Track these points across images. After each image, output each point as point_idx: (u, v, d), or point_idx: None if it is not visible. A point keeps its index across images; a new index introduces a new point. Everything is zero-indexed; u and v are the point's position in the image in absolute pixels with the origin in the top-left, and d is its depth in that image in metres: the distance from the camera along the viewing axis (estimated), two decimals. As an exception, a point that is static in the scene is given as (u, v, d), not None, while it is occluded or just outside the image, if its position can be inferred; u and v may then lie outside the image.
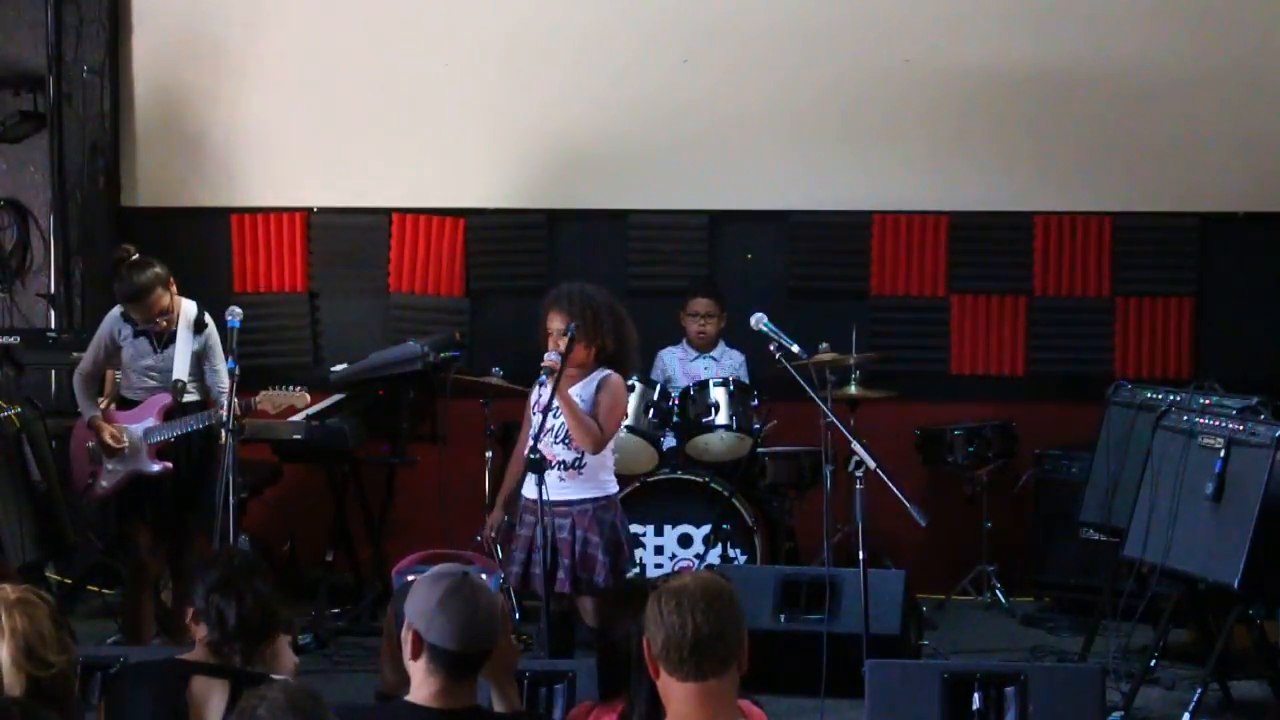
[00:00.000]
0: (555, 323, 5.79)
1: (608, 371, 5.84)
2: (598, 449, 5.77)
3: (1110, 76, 8.17)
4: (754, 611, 5.97)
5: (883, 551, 7.44)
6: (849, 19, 8.23)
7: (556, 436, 5.81)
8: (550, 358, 5.74)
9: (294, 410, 7.01)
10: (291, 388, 6.80)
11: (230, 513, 6.09)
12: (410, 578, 3.58)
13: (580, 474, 5.82)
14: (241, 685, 3.66)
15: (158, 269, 6.69)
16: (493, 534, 6.21)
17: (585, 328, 5.76)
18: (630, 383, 6.53)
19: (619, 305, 5.96)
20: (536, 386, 5.88)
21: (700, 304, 7.82)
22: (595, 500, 5.84)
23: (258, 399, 6.68)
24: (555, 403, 5.70)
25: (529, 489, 5.76)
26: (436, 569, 3.41)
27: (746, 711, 3.30)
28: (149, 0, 8.46)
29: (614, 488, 5.96)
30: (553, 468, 5.77)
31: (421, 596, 3.36)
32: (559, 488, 5.78)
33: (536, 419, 5.81)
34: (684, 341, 7.91)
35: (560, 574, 5.74)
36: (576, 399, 5.78)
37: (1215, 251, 8.28)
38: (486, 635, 3.34)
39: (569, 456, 5.81)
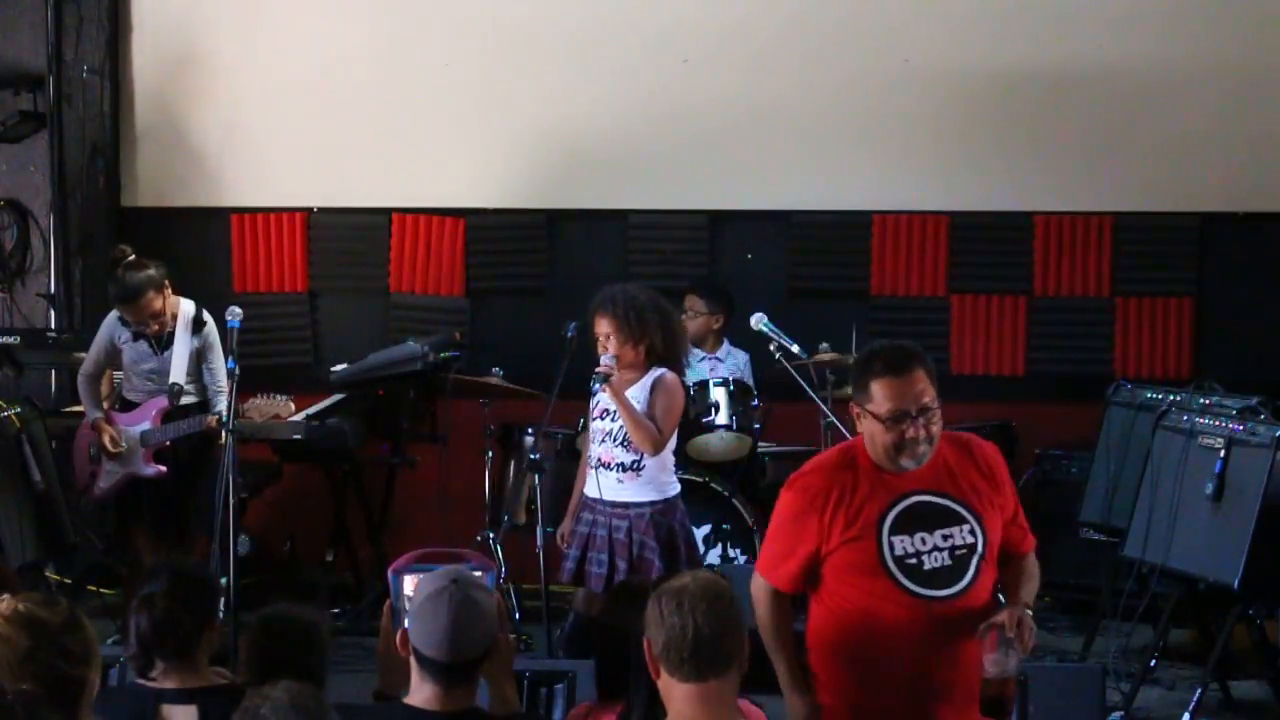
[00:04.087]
0: (601, 327, 5.82)
1: (662, 371, 5.84)
2: (657, 450, 5.79)
3: (1110, 76, 8.17)
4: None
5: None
6: (849, 19, 8.23)
7: (615, 439, 5.83)
8: (606, 362, 5.75)
9: (279, 419, 7.03)
10: (278, 397, 6.82)
11: (230, 513, 6.10)
12: (406, 577, 3.58)
13: (639, 476, 5.84)
14: (209, 707, 3.65)
15: (152, 271, 6.70)
16: (564, 545, 6.14)
17: (631, 328, 5.77)
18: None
19: (666, 303, 5.96)
20: (592, 393, 5.89)
21: (686, 300, 7.84)
22: (653, 504, 5.85)
23: (246, 406, 6.69)
24: (612, 406, 5.73)
25: (589, 489, 5.85)
26: (432, 574, 3.41)
27: (746, 711, 3.31)
28: (149, 0, 8.47)
29: (674, 490, 5.96)
30: (612, 470, 5.81)
31: (414, 602, 3.37)
32: (618, 489, 5.83)
33: (593, 424, 5.84)
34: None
35: (617, 576, 5.76)
36: (633, 400, 5.79)
37: (1215, 251, 8.28)
38: (472, 645, 3.33)
39: (628, 459, 5.82)
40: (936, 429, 4.00)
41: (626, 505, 5.83)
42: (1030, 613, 3.96)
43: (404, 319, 8.41)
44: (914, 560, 3.96)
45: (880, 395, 3.97)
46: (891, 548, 3.95)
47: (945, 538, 3.99)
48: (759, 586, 4.14)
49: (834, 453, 4.19)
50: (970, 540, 3.99)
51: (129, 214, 8.47)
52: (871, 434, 4.01)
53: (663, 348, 5.84)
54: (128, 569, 7.06)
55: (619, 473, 5.83)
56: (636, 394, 5.81)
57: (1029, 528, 4.21)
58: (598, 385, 5.79)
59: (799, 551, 4.04)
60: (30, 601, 3.03)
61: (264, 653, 3.81)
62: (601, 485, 5.83)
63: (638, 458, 5.81)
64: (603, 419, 5.86)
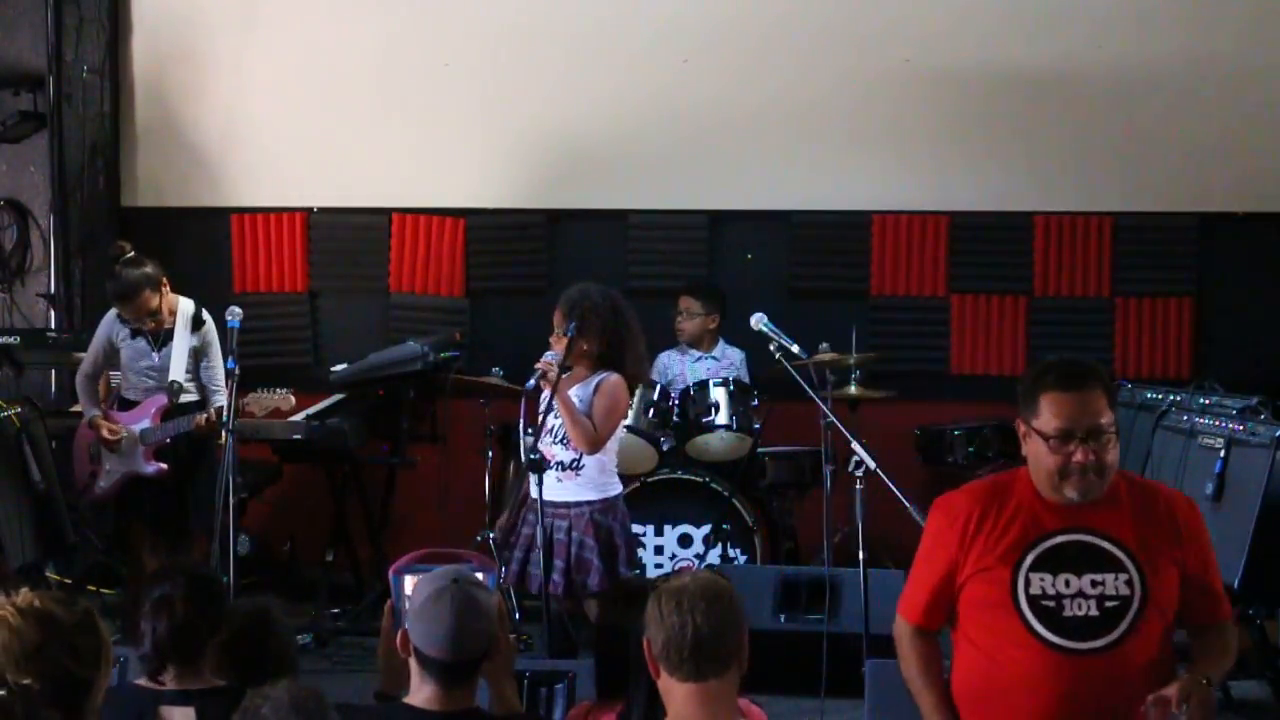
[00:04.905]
0: (555, 318, 5.83)
1: (608, 374, 5.84)
2: (592, 449, 5.77)
3: (1110, 76, 8.17)
4: (754, 611, 5.96)
5: (883, 552, 7.42)
6: (849, 19, 8.23)
7: (555, 436, 5.82)
8: (547, 358, 5.75)
9: (280, 413, 7.02)
10: (277, 390, 6.81)
11: (230, 513, 6.10)
12: (407, 577, 3.58)
13: (578, 475, 5.82)
14: (208, 709, 3.65)
15: (149, 270, 6.70)
16: (494, 535, 6.19)
17: (576, 328, 5.77)
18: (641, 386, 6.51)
19: (626, 309, 5.94)
20: (527, 388, 5.85)
21: (681, 301, 7.86)
22: (593, 503, 5.84)
23: (245, 401, 6.68)
24: (554, 402, 5.72)
25: (532, 489, 5.79)
26: (431, 574, 3.41)
27: (746, 711, 3.30)
28: (149, 0, 8.47)
29: (615, 490, 5.95)
30: (551, 468, 5.79)
31: (414, 601, 3.37)
32: (557, 488, 5.79)
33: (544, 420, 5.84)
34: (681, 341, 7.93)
35: (555, 576, 5.75)
36: (575, 399, 5.78)
37: (1215, 251, 8.28)
38: (473, 644, 3.33)
39: (567, 457, 5.81)
40: (1110, 458, 3.57)
41: (567, 505, 5.81)
42: (1213, 690, 3.57)
43: (404, 319, 8.42)
44: (1051, 603, 3.55)
45: (1048, 411, 3.56)
46: (1027, 584, 3.56)
47: (1095, 584, 3.56)
48: (897, 625, 3.80)
49: (992, 476, 3.82)
50: (1125, 592, 3.56)
51: (129, 214, 8.47)
52: (1036, 455, 3.61)
53: (600, 353, 5.83)
54: (128, 569, 7.05)
55: (559, 471, 5.80)
56: (579, 392, 5.82)
57: (1223, 595, 3.78)
58: (532, 381, 5.73)
59: (932, 577, 3.71)
60: (48, 598, 3.04)
61: (226, 651, 3.80)
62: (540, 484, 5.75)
63: (577, 456, 5.79)
64: (548, 414, 5.85)
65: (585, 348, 5.82)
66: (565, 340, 5.76)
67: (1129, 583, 3.57)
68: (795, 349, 5.95)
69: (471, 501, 7.58)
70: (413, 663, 3.37)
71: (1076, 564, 3.57)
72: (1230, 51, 8.14)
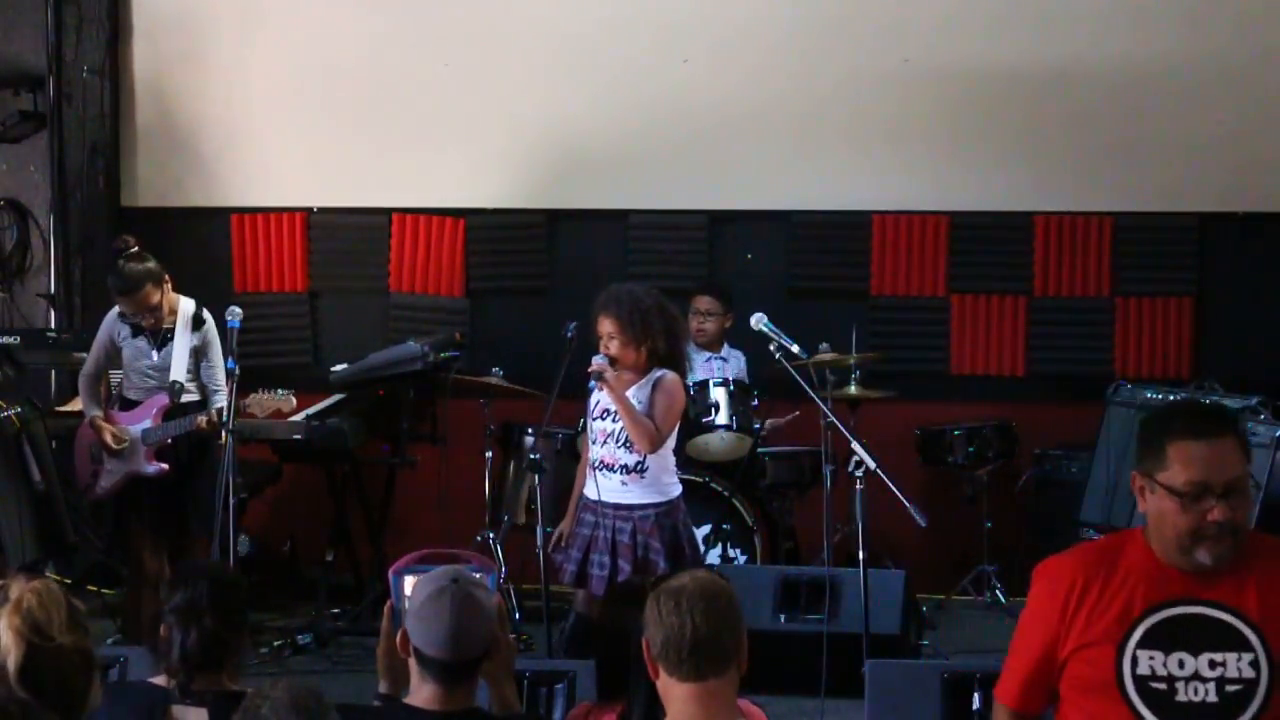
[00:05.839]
0: (604, 326, 5.82)
1: (663, 372, 5.84)
2: (655, 449, 5.78)
3: (1110, 76, 8.17)
4: (754, 611, 5.97)
5: (883, 551, 7.44)
6: (849, 19, 8.23)
7: (618, 441, 5.82)
8: (597, 361, 5.76)
9: (281, 414, 7.02)
10: (278, 392, 6.81)
11: (230, 513, 6.10)
12: (407, 578, 3.58)
13: (643, 478, 5.83)
14: (221, 711, 3.64)
15: (151, 265, 6.70)
16: (560, 541, 6.12)
17: (635, 330, 5.77)
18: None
19: (670, 306, 5.96)
20: (591, 393, 5.89)
21: (702, 302, 7.83)
22: (657, 505, 5.84)
23: (247, 401, 6.68)
24: (613, 406, 5.72)
25: (588, 490, 5.82)
26: (430, 574, 3.41)
27: (746, 711, 3.30)
28: (149, 0, 8.47)
29: (676, 490, 5.96)
30: (615, 471, 5.80)
31: (414, 601, 3.37)
32: (622, 491, 5.83)
33: (593, 424, 5.84)
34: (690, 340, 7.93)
35: (620, 578, 5.75)
36: (634, 400, 5.79)
37: (1215, 251, 8.28)
38: (473, 644, 3.33)
39: (631, 460, 5.81)
40: (1242, 516, 3.16)
41: (630, 507, 5.82)
42: None
43: (404, 319, 8.42)
44: (1162, 685, 3.13)
45: (1179, 463, 3.12)
46: (1134, 663, 3.14)
47: (1213, 665, 3.13)
48: (995, 712, 3.46)
49: (1104, 538, 3.45)
50: (1250, 675, 3.12)
51: (129, 214, 8.46)
52: (1160, 514, 3.17)
53: (665, 350, 5.85)
54: (128, 569, 7.06)
55: (623, 475, 5.81)
56: (637, 394, 5.81)
57: None
58: (594, 384, 5.80)
59: (1031, 655, 3.31)
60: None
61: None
62: (603, 487, 5.81)
63: (640, 459, 5.80)
64: (603, 419, 5.85)
65: (648, 348, 5.81)
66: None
67: (1254, 664, 3.13)
68: (795, 349, 5.95)
69: (471, 501, 7.58)
70: (412, 663, 3.37)
71: (1193, 641, 3.15)
72: (1230, 51, 8.14)
